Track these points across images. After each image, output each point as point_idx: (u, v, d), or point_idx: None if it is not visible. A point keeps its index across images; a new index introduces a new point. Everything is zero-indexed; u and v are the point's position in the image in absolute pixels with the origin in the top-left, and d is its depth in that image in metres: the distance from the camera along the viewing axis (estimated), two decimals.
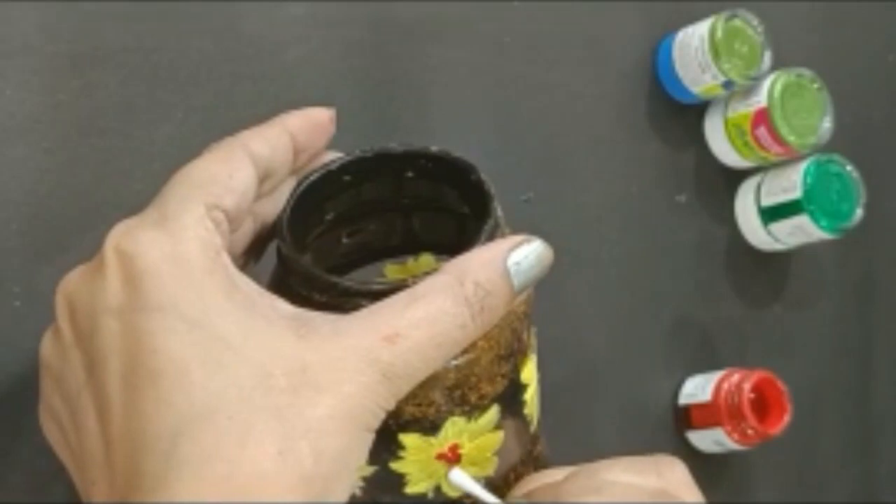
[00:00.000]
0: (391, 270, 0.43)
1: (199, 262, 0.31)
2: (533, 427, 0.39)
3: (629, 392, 0.64)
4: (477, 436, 0.36)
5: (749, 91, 0.64)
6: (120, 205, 0.47)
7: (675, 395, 0.65)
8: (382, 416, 0.31)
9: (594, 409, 0.62)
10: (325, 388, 0.30)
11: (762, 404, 0.64)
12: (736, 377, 0.63)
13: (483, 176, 0.36)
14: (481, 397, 0.35)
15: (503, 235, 0.36)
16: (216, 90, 0.50)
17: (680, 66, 0.64)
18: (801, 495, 0.71)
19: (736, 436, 0.63)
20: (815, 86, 0.65)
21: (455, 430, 0.35)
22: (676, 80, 0.64)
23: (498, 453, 0.37)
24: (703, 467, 0.66)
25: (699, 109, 0.67)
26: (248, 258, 0.38)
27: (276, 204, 0.37)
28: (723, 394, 0.63)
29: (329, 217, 0.40)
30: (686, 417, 0.65)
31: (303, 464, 0.29)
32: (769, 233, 0.67)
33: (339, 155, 0.39)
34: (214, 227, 0.32)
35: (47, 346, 0.33)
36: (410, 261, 0.43)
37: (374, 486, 0.36)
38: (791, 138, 0.63)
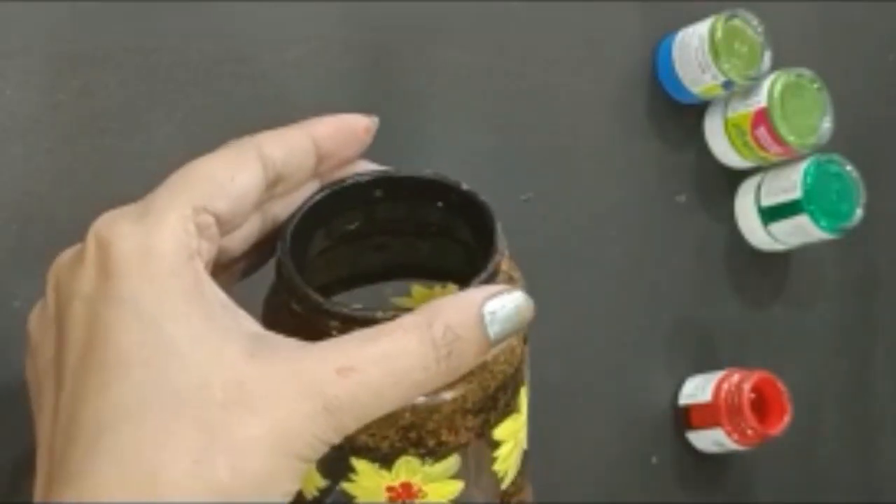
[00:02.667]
0: (418, 292, 0.42)
1: (167, 261, 0.31)
2: (505, 484, 0.38)
3: (629, 392, 0.64)
4: (433, 480, 0.35)
5: (749, 91, 0.64)
6: (120, 205, 0.47)
7: (675, 395, 0.65)
8: (322, 448, 0.30)
9: (594, 409, 0.62)
10: (258, 410, 0.29)
11: (762, 404, 0.64)
12: (736, 377, 0.63)
13: (498, 226, 0.36)
14: (440, 444, 0.34)
15: (509, 282, 0.35)
16: (216, 90, 0.50)
17: (680, 66, 0.64)
18: (801, 495, 0.71)
19: (736, 436, 0.63)
20: (815, 86, 0.65)
21: (408, 468, 0.34)
22: (676, 80, 0.64)
23: (455, 502, 0.36)
24: (703, 467, 0.66)
25: (699, 109, 0.67)
26: (254, 258, 0.38)
27: (290, 206, 0.37)
28: (723, 394, 0.63)
29: (343, 230, 0.39)
30: (686, 418, 0.65)
31: (216, 478, 0.28)
32: (769, 233, 0.67)
33: (372, 166, 0.38)
34: (197, 229, 0.32)
35: (33, 317, 0.34)
36: (438, 287, 0.42)
37: (328, 499, 0.36)
38: (791, 138, 0.63)
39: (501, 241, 0.35)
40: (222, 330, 0.31)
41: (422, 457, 0.34)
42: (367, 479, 0.35)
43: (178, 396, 0.29)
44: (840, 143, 0.66)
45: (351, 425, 0.30)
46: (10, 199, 0.45)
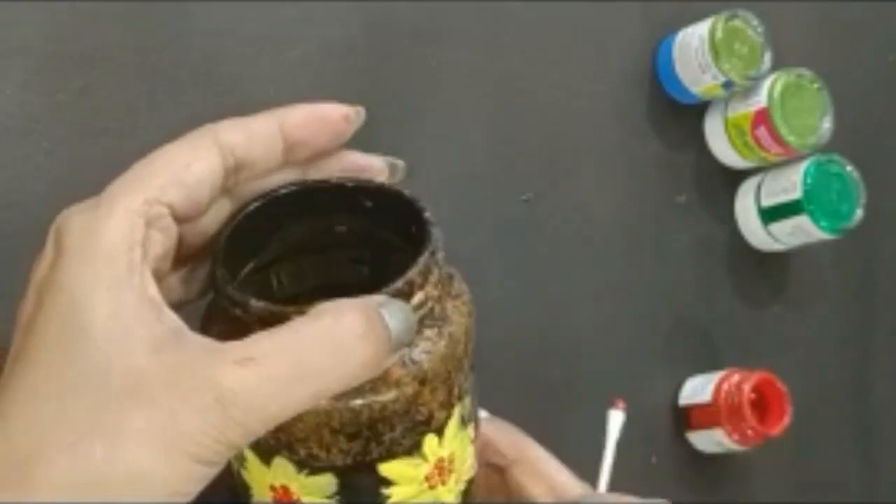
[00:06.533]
0: None
1: (105, 249, 0.31)
2: None
3: (629, 392, 0.64)
4: (310, 493, 0.35)
5: (749, 91, 0.64)
6: None
7: (675, 395, 0.65)
8: (221, 449, 0.29)
9: (594, 409, 0.62)
10: (148, 402, 0.29)
11: (762, 404, 0.64)
12: (736, 377, 0.63)
13: (428, 216, 0.35)
14: (311, 456, 0.33)
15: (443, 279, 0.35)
16: (216, 90, 0.50)
17: (680, 67, 0.64)
18: (801, 495, 0.71)
19: (736, 436, 0.63)
20: (815, 86, 0.65)
21: (284, 472, 0.34)
22: (676, 81, 0.64)
23: None
24: (703, 467, 0.66)
25: (699, 109, 0.67)
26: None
27: (261, 189, 0.37)
28: (723, 394, 0.63)
29: (277, 244, 0.39)
30: (686, 418, 0.65)
31: (91, 463, 0.29)
32: (769, 233, 0.67)
33: (363, 158, 0.38)
34: (146, 221, 0.32)
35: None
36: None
37: (236, 484, 0.37)
38: (791, 138, 0.63)
39: (434, 234, 0.34)
40: (140, 322, 0.31)
41: (296, 464, 0.34)
42: (255, 472, 0.35)
43: (77, 381, 0.30)
44: (840, 143, 0.66)
45: (255, 424, 0.30)
46: (11, 198, 0.45)
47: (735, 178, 0.68)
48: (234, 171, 0.35)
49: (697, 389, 0.65)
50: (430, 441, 0.35)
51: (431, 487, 0.36)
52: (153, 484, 0.29)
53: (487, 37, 0.59)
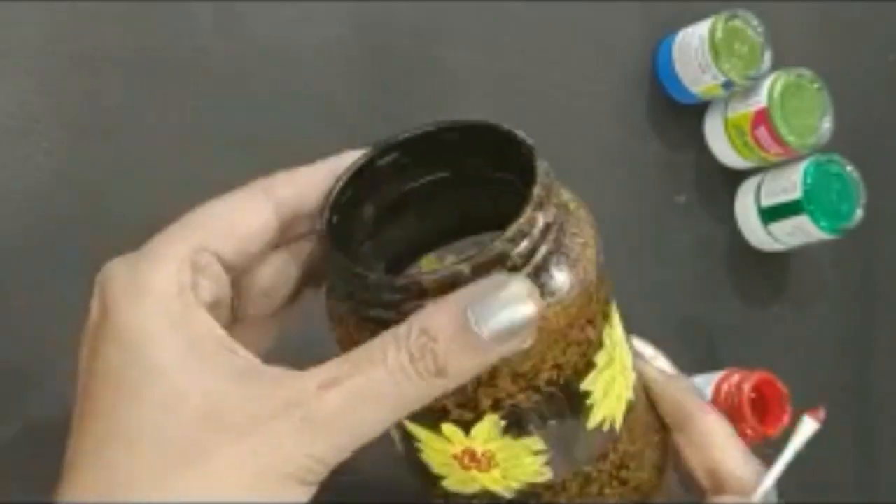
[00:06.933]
0: (428, 262, 0.40)
1: (154, 294, 0.31)
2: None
3: None
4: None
5: (749, 91, 0.64)
6: (120, 205, 0.47)
7: None
8: (315, 466, 0.29)
9: None
10: (231, 426, 0.29)
11: (762, 405, 0.63)
12: (736, 378, 0.63)
13: (540, 166, 0.34)
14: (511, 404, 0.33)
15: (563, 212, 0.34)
16: (216, 90, 0.50)
17: (680, 67, 0.64)
18: (800, 495, 0.71)
19: None
20: (815, 86, 0.65)
21: (485, 432, 0.34)
22: (676, 81, 0.64)
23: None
24: None
25: (699, 109, 0.67)
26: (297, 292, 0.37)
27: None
28: (723, 394, 0.63)
29: (384, 204, 0.38)
30: None
31: (189, 493, 0.28)
32: (769, 233, 0.67)
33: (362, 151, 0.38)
34: (193, 267, 0.32)
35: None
36: (451, 258, 0.39)
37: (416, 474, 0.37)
38: (791, 138, 0.63)
39: (543, 181, 0.34)
40: (208, 357, 0.31)
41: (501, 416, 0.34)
42: (433, 445, 0.35)
43: (149, 418, 0.29)
44: (840, 143, 0.66)
45: (344, 441, 0.29)
46: (11, 198, 0.45)
47: (735, 178, 0.68)
48: (291, 224, 0.35)
49: (697, 389, 0.65)
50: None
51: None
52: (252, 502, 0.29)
53: (487, 37, 0.59)
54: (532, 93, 0.61)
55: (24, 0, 0.46)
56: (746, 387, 0.62)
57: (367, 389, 0.30)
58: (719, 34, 0.62)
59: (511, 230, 0.31)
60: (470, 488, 0.36)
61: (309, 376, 0.30)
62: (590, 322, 0.34)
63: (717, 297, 0.68)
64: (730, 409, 0.62)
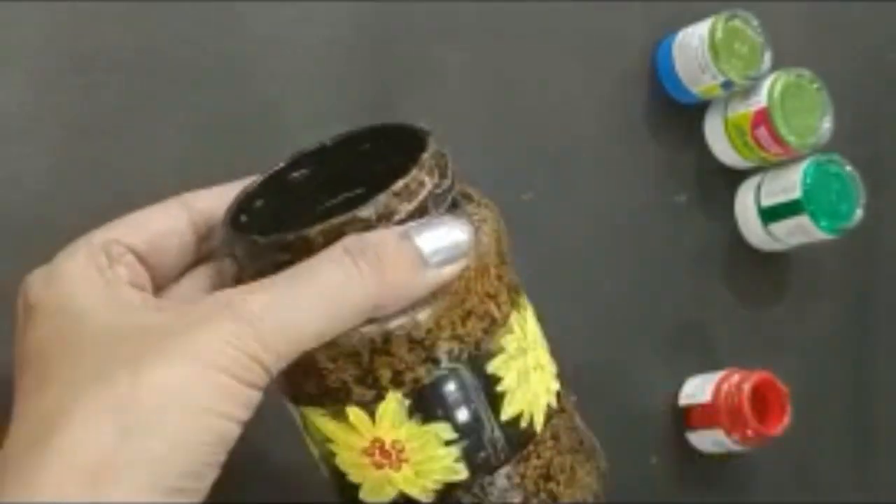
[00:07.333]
0: None
1: (71, 274, 0.33)
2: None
3: (629, 393, 0.64)
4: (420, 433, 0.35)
5: (749, 91, 0.64)
6: (120, 205, 0.47)
7: (675, 395, 0.65)
8: (249, 363, 0.29)
9: (594, 409, 0.62)
10: (164, 334, 0.30)
11: (762, 405, 0.64)
12: (736, 377, 0.63)
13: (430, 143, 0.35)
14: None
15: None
16: (216, 90, 0.50)
17: (680, 66, 0.64)
18: (801, 495, 0.71)
19: (736, 436, 0.63)
20: (815, 86, 0.65)
21: (388, 417, 0.34)
22: (676, 80, 0.64)
23: None
24: (703, 467, 0.66)
25: (699, 109, 0.67)
26: None
27: None
28: (722, 394, 0.63)
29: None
30: (686, 418, 0.65)
31: (116, 392, 0.29)
32: (769, 233, 0.67)
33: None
34: (107, 255, 0.34)
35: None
36: None
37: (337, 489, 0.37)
38: (791, 138, 0.63)
39: (435, 153, 0.34)
40: (139, 301, 0.33)
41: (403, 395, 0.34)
42: (343, 440, 0.35)
43: (82, 348, 0.30)
44: (840, 143, 0.66)
45: (278, 342, 0.30)
46: (11, 198, 0.45)
47: (735, 178, 0.68)
48: (208, 236, 0.37)
49: (697, 389, 0.65)
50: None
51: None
52: (186, 398, 0.29)
53: (487, 37, 0.59)
54: (532, 93, 0.61)
55: (24, 0, 0.46)
56: (746, 387, 0.62)
57: (305, 290, 0.30)
58: (719, 34, 0.62)
59: (397, 185, 0.32)
60: (386, 494, 0.35)
61: (238, 289, 0.31)
62: (490, 297, 0.35)
63: (717, 297, 0.68)
64: (730, 409, 0.62)
